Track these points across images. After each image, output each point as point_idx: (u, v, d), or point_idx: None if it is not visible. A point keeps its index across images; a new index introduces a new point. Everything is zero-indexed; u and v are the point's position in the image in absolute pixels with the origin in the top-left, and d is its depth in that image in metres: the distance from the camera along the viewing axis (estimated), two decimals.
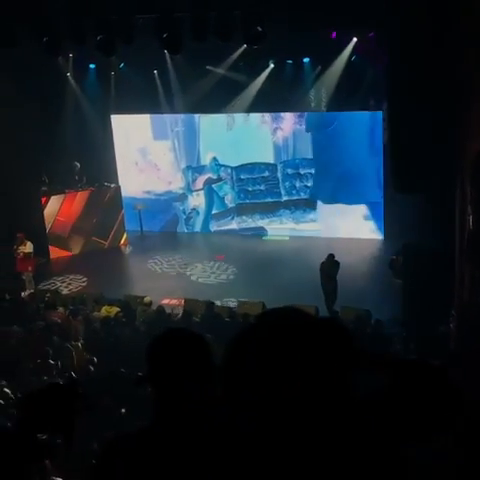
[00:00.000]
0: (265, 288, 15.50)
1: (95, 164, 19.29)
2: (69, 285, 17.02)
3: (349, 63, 16.75)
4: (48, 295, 15.08)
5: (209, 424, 2.11)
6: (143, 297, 14.48)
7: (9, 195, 17.46)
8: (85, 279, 17.20)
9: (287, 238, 19.28)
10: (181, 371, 2.21)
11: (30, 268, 16.63)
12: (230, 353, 1.69)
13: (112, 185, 19.60)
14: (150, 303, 14.10)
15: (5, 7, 12.25)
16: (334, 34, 15.57)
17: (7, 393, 9.52)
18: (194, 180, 20.21)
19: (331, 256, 14.72)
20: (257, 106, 18.43)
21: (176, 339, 2.30)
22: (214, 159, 19.75)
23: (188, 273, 17.39)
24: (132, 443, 2.19)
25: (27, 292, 15.90)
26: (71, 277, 17.36)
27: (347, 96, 17.07)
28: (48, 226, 18.72)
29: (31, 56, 14.36)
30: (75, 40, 12.50)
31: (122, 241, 19.56)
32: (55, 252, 18.86)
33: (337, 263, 14.63)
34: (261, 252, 18.37)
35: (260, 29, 11.98)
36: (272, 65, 17.73)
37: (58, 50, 12.83)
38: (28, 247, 16.60)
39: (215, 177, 19.95)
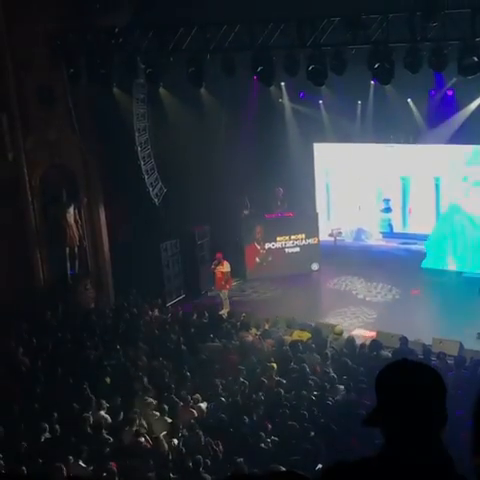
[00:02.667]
0: (462, 326, 14.82)
1: (296, 190, 19.63)
2: None
3: None
4: (244, 315, 15.48)
5: (442, 466, 2.08)
6: (335, 325, 14.43)
7: (214, 216, 18.32)
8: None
9: None
10: (415, 405, 2.16)
11: (227, 287, 17.26)
12: None
13: (311, 212, 19.82)
14: (341, 332, 14.03)
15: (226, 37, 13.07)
16: None
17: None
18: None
19: None
20: (463, 137, 17.77)
21: (414, 372, 2.25)
22: None
23: (383, 305, 17.04)
24: (355, 471, 2.20)
25: (224, 310, 16.48)
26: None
27: None
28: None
29: (244, 85, 14.99)
30: (289, 70, 12.88)
31: (314, 267, 19.62)
32: (251, 273, 19.39)
33: None
34: (462, 289, 17.54)
35: (476, 59, 11.59)
36: None
37: (271, 79, 13.28)
38: (226, 267, 17.24)
39: None
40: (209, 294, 18.08)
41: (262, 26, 12.92)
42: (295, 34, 12.56)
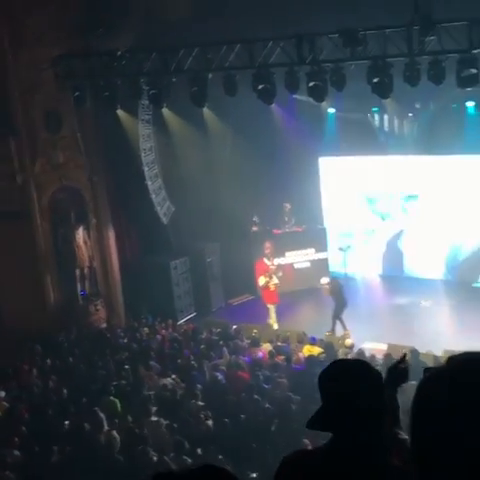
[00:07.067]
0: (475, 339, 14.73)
1: (304, 206, 19.62)
2: None
3: None
4: (255, 331, 15.47)
5: (381, 456, 2.27)
6: (345, 339, 14.43)
7: (223, 233, 18.40)
8: None
9: None
10: (353, 400, 2.30)
11: (275, 300, 17.32)
12: (422, 393, 1.64)
13: (319, 226, 19.82)
14: (352, 346, 14.03)
15: (226, 57, 13.25)
16: None
17: None
18: None
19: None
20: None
21: (346, 370, 2.40)
22: None
23: (396, 318, 16.96)
24: (308, 459, 2.39)
25: (273, 323, 16.77)
26: None
27: None
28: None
29: (248, 102, 15.07)
30: (290, 87, 12.99)
31: (323, 282, 19.50)
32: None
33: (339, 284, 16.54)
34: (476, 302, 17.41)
35: (474, 71, 11.63)
36: None
37: (272, 97, 13.38)
38: (275, 279, 17.31)
39: None
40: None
41: (262, 45, 13.07)
42: (294, 51, 12.68)
